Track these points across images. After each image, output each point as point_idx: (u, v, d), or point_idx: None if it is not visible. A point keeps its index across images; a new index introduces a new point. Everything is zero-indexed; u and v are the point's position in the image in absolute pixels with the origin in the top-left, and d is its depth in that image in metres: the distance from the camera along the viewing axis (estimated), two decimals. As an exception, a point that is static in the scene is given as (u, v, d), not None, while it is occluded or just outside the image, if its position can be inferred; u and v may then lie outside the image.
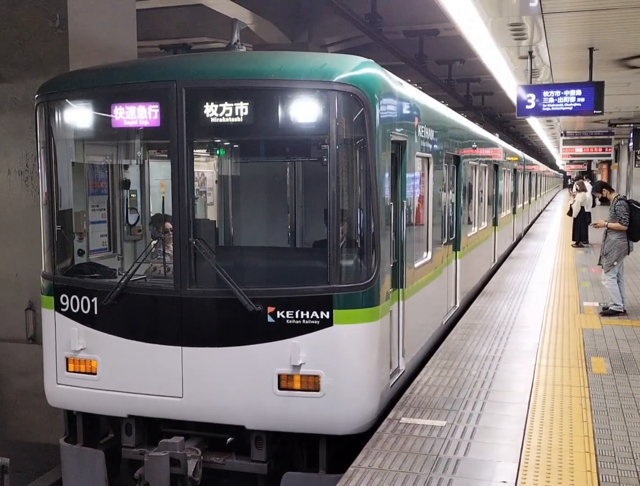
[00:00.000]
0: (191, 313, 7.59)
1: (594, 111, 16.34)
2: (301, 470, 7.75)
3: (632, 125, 33.05)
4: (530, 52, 16.29)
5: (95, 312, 8.00)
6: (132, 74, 8.13)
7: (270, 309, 7.37)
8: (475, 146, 15.80)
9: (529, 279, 17.99)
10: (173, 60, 9.01)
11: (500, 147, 21.97)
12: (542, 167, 54.60)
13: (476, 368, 9.79)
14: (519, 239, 28.99)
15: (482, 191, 17.53)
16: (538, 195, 46.36)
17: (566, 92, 16.26)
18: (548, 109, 16.57)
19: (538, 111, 16.74)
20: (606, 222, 13.55)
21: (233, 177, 10.99)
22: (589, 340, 11.45)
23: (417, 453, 6.93)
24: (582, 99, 16.17)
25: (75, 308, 8.10)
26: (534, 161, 45.57)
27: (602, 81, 16.02)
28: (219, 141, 10.04)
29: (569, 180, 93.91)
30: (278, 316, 7.36)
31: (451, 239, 12.90)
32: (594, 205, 26.90)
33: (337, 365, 7.37)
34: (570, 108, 16.33)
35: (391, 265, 8.27)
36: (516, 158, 27.97)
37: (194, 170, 8.08)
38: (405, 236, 8.87)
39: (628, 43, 15.13)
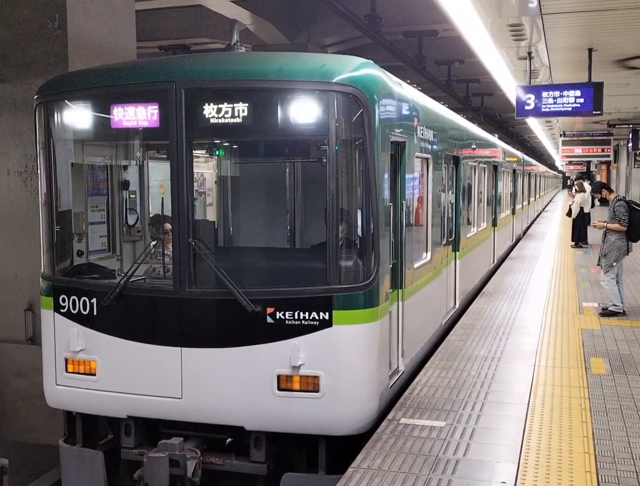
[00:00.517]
0: (190, 313, 7.59)
1: (593, 112, 16.35)
2: (300, 470, 7.74)
3: (631, 126, 33.09)
4: (530, 53, 16.30)
5: (95, 313, 8.00)
6: (132, 75, 8.12)
7: (270, 309, 7.37)
8: (474, 146, 15.80)
9: (528, 279, 17.99)
10: (172, 61, 9.00)
11: (500, 148, 21.97)
12: (541, 167, 54.60)
13: (475, 369, 9.79)
14: (519, 239, 28.99)
15: (481, 192, 17.52)
16: (537, 196, 46.36)
17: (565, 93, 16.28)
18: (547, 109, 16.59)
19: (537, 112, 16.75)
20: (605, 223, 13.55)
21: (232, 178, 10.99)
22: (588, 341, 11.45)
23: (417, 453, 6.93)
24: (581, 100, 16.19)
25: (74, 308, 8.09)
26: (533, 161, 45.58)
27: (601, 81, 16.05)
28: (218, 141, 10.04)
29: (568, 181, 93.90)
30: (277, 317, 7.36)
31: (450, 239, 12.90)
32: (592, 206, 26.88)
33: (336, 366, 7.37)
34: (570, 109, 16.35)
35: (390, 266, 8.27)
36: (515, 159, 27.97)
37: (194, 171, 8.08)
38: (405, 237, 8.87)
39: (627, 44, 15.14)
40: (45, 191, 8.37)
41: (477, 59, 17.66)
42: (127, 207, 9.84)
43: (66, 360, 8.19)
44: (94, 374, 8.04)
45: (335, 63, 7.81)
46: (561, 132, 37.64)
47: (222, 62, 8.14)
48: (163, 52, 21.30)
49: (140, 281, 8.39)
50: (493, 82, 22.74)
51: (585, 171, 60.40)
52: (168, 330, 7.66)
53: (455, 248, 13.40)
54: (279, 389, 7.41)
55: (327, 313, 7.27)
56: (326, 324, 7.28)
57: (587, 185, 27.46)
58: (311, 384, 7.36)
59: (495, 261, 20.66)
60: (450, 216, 12.90)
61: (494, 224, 20.29)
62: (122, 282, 7.89)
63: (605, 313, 13.44)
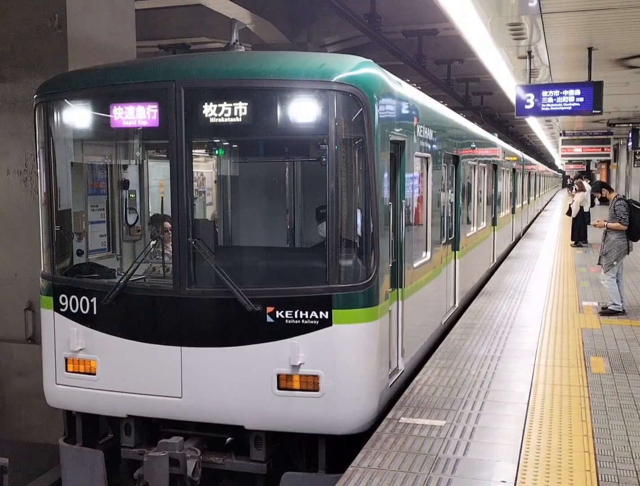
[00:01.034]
0: (190, 313, 7.59)
1: (593, 111, 16.36)
2: (300, 469, 7.76)
3: (631, 125, 33.08)
4: (529, 52, 16.29)
5: (95, 312, 8.00)
6: (131, 74, 8.12)
7: (270, 309, 7.37)
8: (474, 145, 15.80)
9: (528, 279, 17.99)
10: (172, 60, 9.00)
11: (499, 147, 21.96)
12: (541, 167, 54.61)
13: (475, 368, 9.79)
14: (518, 238, 28.99)
15: (481, 191, 17.52)
16: (537, 195, 46.37)
17: (565, 92, 16.27)
18: (547, 109, 16.58)
19: (537, 111, 16.75)
20: (606, 222, 13.55)
21: (232, 177, 10.99)
22: (588, 340, 11.45)
23: (417, 452, 6.93)
24: (581, 99, 16.18)
25: (74, 308, 8.09)
26: (533, 160, 45.60)
27: (601, 80, 16.04)
28: (218, 141, 10.03)
29: (568, 180, 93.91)
30: (277, 316, 7.36)
31: (450, 239, 12.89)
32: (592, 205, 26.88)
33: (336, 365, 7.37)
34: (569, 108, 16.34)
35: (390, 265, 8.27)
36: (515, 158, 27.97)
37: (193, 170, 8.08)
38: (404, 236, 8.87)
39: (627, 43, 15.14)
40: (45, 190, 8.37)
41: (476, 58, 17.65)
42: (127, 206, 9.83)
43: (66, 359, 8.19)
44: (94, 374, 8.04)
45: (334, 62, 7.81)
46: (561, 132, 37.62)
47: (222, 61, 8.14)
48: (163, 51, 21.30)
49: (140, 281, 8.39)
50: (493, 82, 22.74)
51: (585, 170, 60.40)
52: (168, 329, 7.66)
53: (455, 247, 13.40)
54: (279, 388, 7.41)
55: (326, 312, 7.27)
56: (326, 323, 7.28)
57: (587, 184, 27.48)
58: (311, 384, 7.36)
59: (495, 260, 20.66)
60: (450, 215, 12.90)
61: (494, 223, 20.29)
62: (122, 281, 7.90)
63: (605, 312, 13.45)
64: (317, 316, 7.29)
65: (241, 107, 7.39)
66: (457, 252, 13.46)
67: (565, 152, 38.02)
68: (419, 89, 11.64)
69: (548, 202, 65.95)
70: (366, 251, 7.58)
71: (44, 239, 8.49)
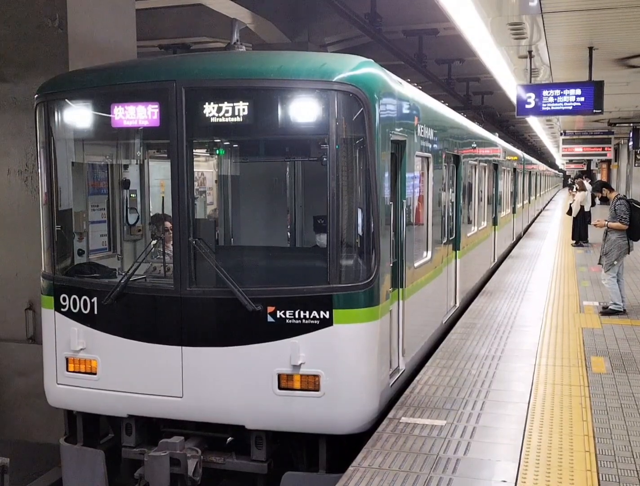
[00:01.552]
0: (191, 312, 7.59)
1: (594, 111, 16.35)
2: (301, 469, 7.75)
3: (631, 124, 33.06)
4: (530, 52, 16.29)
5: (95, 312, 7.99)
6: (132, 74, 8.12)
7: (270, 309, 7.37)
8: (474, 145, 15.80)
9: (528, 278, 17.99)
10: (173, 60, 9.01)
11: (500, 147, 21.96)
12: (541, 166, 54.59)
13: (476, 368, 9.79)
14: (519, 238, 28.98)
15: (481, 191, 17.51)
16: (538, 194, 46.35)
17: (566, 92, 16.26)
18: (548, 108, 16.58)
19: (538, 111, 16.74)
20: (606, 222, 13.55)
21: (233, 177, 10.99)
22: (588, 339, 11.45)
23: (417, 452, 6.93)
24: (582, 99, 16.18)
25: (75, 307, 8.09)
26: (534, 160, 45.58)
27: (602, 80, 16.03)
28: (218, 140, 10.03)
29: (569, 179, 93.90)
30: (278, 316, 7.36)
31: (451, 238, 12.89)
32: (593, 204, 26.87)
33: (337, 365, 7.37)
34: (570, 107, 16.34)
35: (391, 265, 8.27)
36: (516, 157, 27.96)
37: (194, 170, 8.07)
38: (405, 236, 8.87)
39: (627, 42, 15.13)
40: (46, 190, 8.37)
41: (477, 57, 17.64)
42: (128, 206, 9.83)
43: (67, 359, 8.19)
44: (95, 374, 8.04)
45: (335, 62, 7.81)
46: (561, 131, 37.60)
47: (223, 61, 8.14)
48: (163, 51, 21.30)
49: (140, 280, 8.39)
50: (493, 81, 22.73)
51: (585, 169, 60.38)
52: (169, 329, 7.66)
53: (456, 247, 13.40)
54: (280, 388, 7.41)
55: (327, 312, 7.27)
56: (327, 323, 7.28)
57: (587, 184, 27.47)
58: (312, 383, 7.35)
59: (496, 260, 20.66)
60: (450, 214, 12.90)
61: (495, 223, 20.28)
62: (122, 281, 7.89)
63: (606, 311, 13.45)
64: (317, 316, 7.28)
65: (242, 107, 7.38)
66: (457, 252, 13.46)
67: (565, 152, 38.02)
68: (419, 88, 11.63)
69: (549, 202, 65.93)
70: (367, 251, 7.58)
71: (44, 239, 8.49)
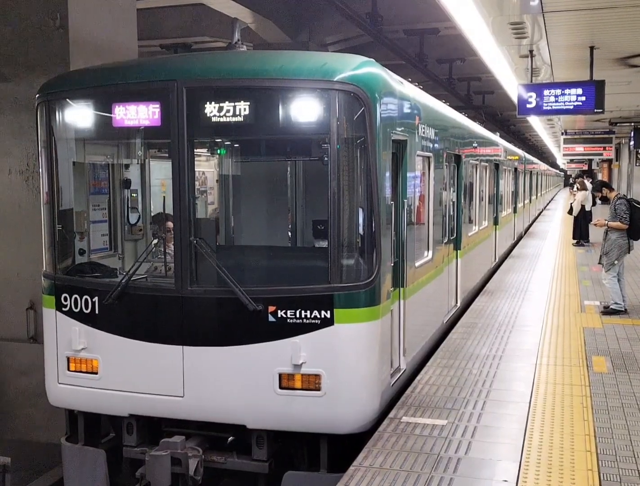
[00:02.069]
0: (192, 312, 7.59)
1: (595, 110, 16.34)
2: (302, 469, 7.76)
3: (632, 124, 33.06)
4: (531, 51, 16.28)
5: (97, 311, 7.99)
6: (133, 74, 8.12)
7: (271, 308, 7.37)
8: (476, 145, 15.79)
9: (529, 278, 17.98)
10: (174, 59, 9.00)
11: (501, 146, 21.95)
12: (542, 166, 54.57)
13: (477, 367, 9.79)
14: (520, 238, 28.97)
15: (482, 190, 17.51)
16: (539, 194, 46.34)
17: (567, 91, 16.25)
18: (549, 108, 16.56)
19: (539, 110, 16.73)
20: (606, 221, 13.55)
21: (234, 176, 10.98)
22: (589, 339, 11.45)
23: (418, 452, 6.93)
24: (583, 98, 16.17)
25: (76, 307, 8.09)
26: (535, 159, 45.56)
27: (603, 79, 16.02)
28: (219, 140, 10.03)
29: (570, 179, 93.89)
30: (279, 316, 7.35)
31: (452, 238, 12.88)
32: (594, 204, 26.87)
33: (338, 364, 7.37)
34: (571, 107, 16.33)
35: (392, 264, 8.27)
36: (517, 157, 27.95)
37: (195, 169, 8.07)
38: (406, 235, 8.86)
39: (629, 42, 15.12)
40: (47, 189, 8.37)
41: (478, 57, 17.63)
42: (129, 205, 9.83)
43: (68, 359, 8.19)
44: (96, 373, 8.04)
45: (336, 62, 7.80)
46: (563, 131, 37.60)
47: (224, 60, 8.13)
48: (164, 50, 21.27)
49: (142, 280, 8.39)
50: (494, 81, 22.69)
51: (586, 169, 60.34)
52: (170, 329, 7.66)
53: (457, 247, 13.39)
54: (281, 387, 7.41)
55: (328, 312, 7.27)
56: (327, 322, 7.28)
57: (588, 183, 27.46)
58: (313, 383, 7.35)
59: (497, 260, 20.65)
60: (451, 214, 12.89)
61: (496, 222, 20.28)
62: (123, 281, 7.89)
63: (607, 311, 13.45)
64: (318, 316, 7.28)
65: (243, 107, 7.38)
66: (458, 251, 13.45)
67: (566, 151, 38.01)
68: (420, 88, 11.63)
69: (550, 202, 65.91)
70: (368, 251, 7.58)
71: (45, 239, 8.49)
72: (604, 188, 15.43)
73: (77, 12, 10.82)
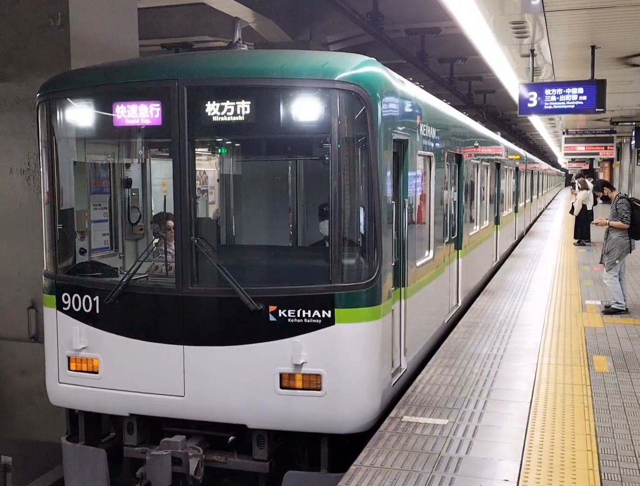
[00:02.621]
0: (193, 311, 7.58)
1: (596, 109, 16.34)
2: (303, 468, 7.74)
3: (634, 123, 33.06)
4: (532, 50, 16.26)
5: (97, 311, 7.99)
6: (134, 73, 8.11)
7: (272, 308, 7.35)
8: (477, 144, 15.78)
9: (530, 277, 17.97)
10: (174, 58, 8.98)
11: (502, 146, 21.93)
12: (544, 165, 54.53)
13: (478, 367, 9.78)
14: (521, 237, 28.96)
15: (484, 190, 17.50)
16: (540, 193, 46.30)
17: (568, 91, 16.24)
18: (550, 107, 16.55)
19: (540, 109, 16.72)
20: (608, 221, 13.54)
21: (235, 176, 10.97)
22: (591, 338, 11.44)
23: (419, 451, 6.92)
24: (584, 97, 16.16)
25: (77, 306, 8.09)
26: (536, 159, 45.53)
27: (604, 79, 16.01)
28: (220, 139, 10.02)
29: (572, 178, 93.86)
30: (280, 315, 7.34)
31: (453, 237, 12.87)
32: (595, 203, 26.86)
33: (338, 364, 7.35)
34: (572, 106, 16.32)
35: (393, 264, 8.26)
36: (518, 156, 27.93)
37: (196, 169, 8.06)
38: (407, 235, 8.84)
39: (630, 41, 15.12)
40: (48, 189, 8.36)
41: (479, 56, 17.62)
42: (130, 205, 9.82)
43: (69, 358, 8.18)
44: (97, 372, 8.03)
45: (337, 61, 7.79)
46: (564, 130, 37.58)
47: (224, 60, 8.12)
48: (165, 50, 21.29)
49: (142, 279, 8.38)
50: (495, 80, 22.68)
51: (588, 168, 60.31)
52: (170, 328, 7.65)
53: (458, 246, 13.38)
54: (281, 387, 7.39)
55: (329, 311, 7.26)
56: (328, 322, 7.27)
57: (590, 183, 27.45)
58: (313, 383, 7.34)
59: (498, 259, 20.64)
60: (452, 214, 12.88)
61: (497, 222, 20.27)
62: (124, 280, 7.89)
63: (608, 310, 13.44)
64: (319, 315, 7.27)
65: (243, 106, 7.37)
66: (459, 251, 13.44)
67: (568, 150, 37.99)
68: (421, 87, 11.62)
69: (551, 201, 65.88)
70: (369, 250, 7.56)
71: (46, 238, 8.48)
72: (605, 188, 15.41)
73: (78, 11, 10.84)
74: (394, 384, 8.33)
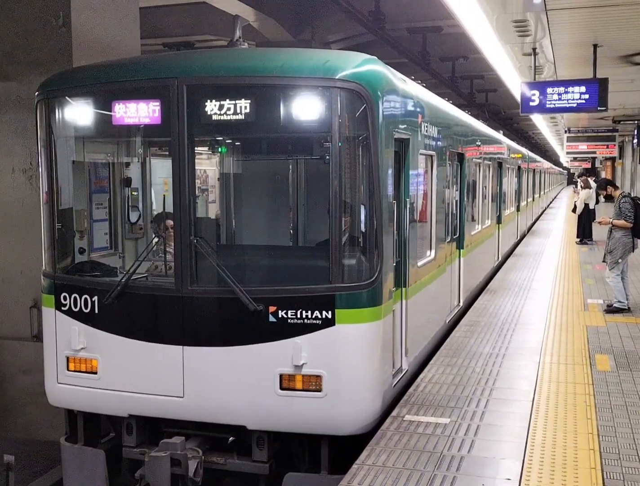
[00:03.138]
0: (192, 312, 7.53)
1: (598, 108, 16.34)
2: (303, 470, 7.70)
3: (636, 122, 33.05)
4: (534, 49, 16.27)
5: (96, 311, 7.95)
6: (133, 71, 8.06)
7: (272, 308, 7.31)
8: (479, 143, 15.75)
9: (532, 276, 17.95)
10: (174, 57, 8.95)
11: (504, 145, 21.90)
12: (546, 164, 54.49)
13: (480, 366, 9.76)
14: (523, 236, 28.92)
15: (485, 189, 17.47)
16: (542, 192, 46.25)
17: (570, 89, 16.24)
18: (552, 106, 16.56)
19: (542, 108, 16.73)
20: (611, 220, 13.52)
21: (235, 175, 10.93)
22: (593, 337, 11.42)
23: (421, 450, 6.90)
24: (586, 96, 16.16)
25: (75, 306, 8.05)
26: (538, 158, 45.48)
27: (606, 77, 16.01)
28: (220, 138, 9.98)
29: (574, 177, 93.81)
30: (280, 316, 7.30)
31: (455, 237, 12.83)
32: (597, 202, 26.85)
33: (339, 365, 7.31)
34: (574, 105, 16.33)
35: (394, 264, 8.22)
36: (520, 155, 27.90)
37: (195, 168, 8.03)
38: (408, 235, 8.80)
39: (632, 39, 15.11)
40: (47, 189, 8.32)
41: (481, 55, 17.64)
42: (130, 204, 9.80)
43: (67, 358, 8.15)
44: (96, 373, 7.99)
45: (338, 59, 7.75)
46: (566, 129, 37.57)
47: (224, 58, 8.09)
48: (167, 49, 21.31)
49: (142, 279, 8.35)
50: (497, 79, 22.70)
51: (590, 167, 60.27)
52: (170, 328, 7.61)
53: (460, 246, 13.34)
54: (281, 388, 7.35)
55: (329, 312, 7.22)
56: (329, 323, 7.23)
57: (592, 181, 27.43)
58: (314, 384, 7.30)
59: (500, 258, 20.61)
60: (454, 213, 12.84)
61: (499, 221, 20.23)
62: (123, 280, 7.86)
63: (610, 309, 13.41)
64: (320, 316, 7.23)
65: (243, 105, 7.32)
66: (461, 250, 13.40)
67: (570, 149, 37.97)
68: (423, 86, 11.59)
69: (553, 200, 65.84)
70: (370, 250, 7.52)
71: (45, 238, 8.44)
72: (608, 186, 15.40)
73: (79, 11, 10.84)
74: (394, 386, 8.29)
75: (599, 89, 16.01)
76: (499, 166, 20.11)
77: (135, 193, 9.87)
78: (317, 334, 7.26)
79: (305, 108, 7.28)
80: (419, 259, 9.62)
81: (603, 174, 61.38)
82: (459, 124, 13.46)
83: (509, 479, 6.30)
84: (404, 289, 8.75)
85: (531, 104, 16.60)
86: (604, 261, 13.96)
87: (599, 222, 14.71)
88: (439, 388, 8.81)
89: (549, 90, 16.48)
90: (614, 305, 13.45)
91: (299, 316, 7.26)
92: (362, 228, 7.61)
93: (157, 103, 7.58)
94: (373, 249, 7.49)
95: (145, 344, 7.71)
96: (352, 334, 7.34)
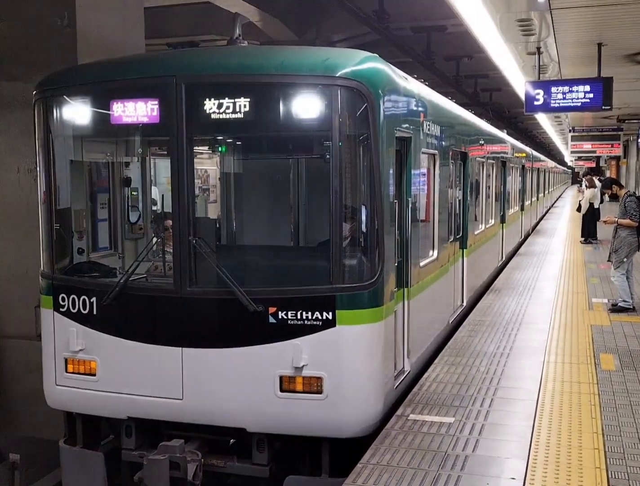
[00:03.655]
0: (191, 313, 7.47)
1: (603, 107, 16.29)
2: (303, 473, 7.64)
3: (641, 121, 32.96)
4: (539, 48, 16.24)
5: (95, 312, 7.89)
6: (131, 70, 8.02)
7: (272, 309, 7.25)
8: (482, 142, 15.69)
9: (537, 275, 17.90)
10: (172, 55, 8.90)
11: (508, 144, 21.86)
12: (550, 163, 54.40)
13: (484, 365, 9.73)
14: (527, 235, 28.85)
15: (489, 188, 17.41)
16: (546, 191, 46.17)
17: (574, 88, 16.19)
18: (556, 105, 16.50)
19: (546, 107, 16.68)
20: (616, 219, 13.47)
21: (235, 174, 10.88)
22: (597, 337, 11.38)
23: (426, 449, 6.89)
24: (591, 95, 16.11)
25: (74, 307, 7.99)
26: (542, 157, 45.39)
27: (611, 76, 15.96)
28: (219, 137, 9.92)
29: (579, 176, 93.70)
30: (280, 317, 7.24)
31: (458, 237, 12.78)
32: (602, 201, 26.79)
33: (340, 367, 7.25)
34: (579, 104, 16.27)
35: (396, 264, 8.15)
36: (524, 154, 27.84)
37: (195, 167, 7.96)
38: (410, 234, 8.73)
39: (637, 38, 15.05)
40: (45, 188, 8.28)
41: (485, 54, 17.62)
42: (129, 204, 9.75)
43: (66, 360, 8.09)
44: (94, 375, 7.94)
45: (338, 57, 7.69)
46: (570, 128, 37.47)
47: (223, 56, 8.04)
48: (172, 49, 21.30)
49: (141, 280, 8.30)
50: (502, 78, 22.65)
51: (594, 166, 60.16)
52: (169, 330, 7.55)
53: (463, 245, 13.28)
54: (282, 390, 7.29)
55: (330, 313, 7.14)
56: (329, 324, 7.16)
57: (596, 181, 27.37)
58: (314, 386, 7.23)
59: (504, 258, 20.55)
60: (457, 212, 12.79)
61: (503, 220, 20.17)
62: (122, 281, 7.80)
63: (615, 308, 13.36)
64: (320, 317, 7.16)
65: (243, 103, 7.26)
66: (464, 250, 13.34)
67: (574, 148, 37.91)
68: (427, 85, 11.55)
69: (557, 199, 65.75)
70: (371, 250, 7.45)
71: (43, 238, 8.40)
72: (613, 185, 15.33)
73: (84, 11, 10.84)
74: (396, 387, 8.23)
75: (603, 88, 15.96)
76: (503, 165, 20.06)
77: (135, 193, 9.83)
78: (318, 335, 7.19)
79: (306, 106, 7.21)
80: (422, 259, 9.55)
81: (607, 174, 61.27)
82: (462, 123, 13.41)
83: (513, 478, 6.30)
84: (406, 289, 8.69)
85: (535, 103, 16.54)
86: (609, 260, 13.91)
87: (604, 222, 14.64)
88: (444, 387, 8.78)
89: (554, 89, 16.43)
90: (619, 304, 13.40)
91: (299, 317, 7.19)
92: (363, 228, 7.55)
93: (156, 102, 7.51)
94: (374, 249, 7.42)
95: (144, 345, 7.65)
96: (353, 335, 7.28)
